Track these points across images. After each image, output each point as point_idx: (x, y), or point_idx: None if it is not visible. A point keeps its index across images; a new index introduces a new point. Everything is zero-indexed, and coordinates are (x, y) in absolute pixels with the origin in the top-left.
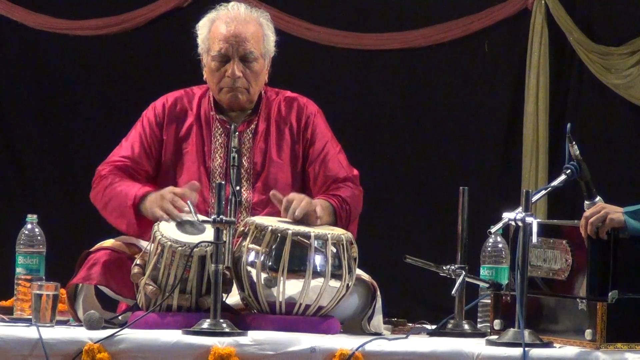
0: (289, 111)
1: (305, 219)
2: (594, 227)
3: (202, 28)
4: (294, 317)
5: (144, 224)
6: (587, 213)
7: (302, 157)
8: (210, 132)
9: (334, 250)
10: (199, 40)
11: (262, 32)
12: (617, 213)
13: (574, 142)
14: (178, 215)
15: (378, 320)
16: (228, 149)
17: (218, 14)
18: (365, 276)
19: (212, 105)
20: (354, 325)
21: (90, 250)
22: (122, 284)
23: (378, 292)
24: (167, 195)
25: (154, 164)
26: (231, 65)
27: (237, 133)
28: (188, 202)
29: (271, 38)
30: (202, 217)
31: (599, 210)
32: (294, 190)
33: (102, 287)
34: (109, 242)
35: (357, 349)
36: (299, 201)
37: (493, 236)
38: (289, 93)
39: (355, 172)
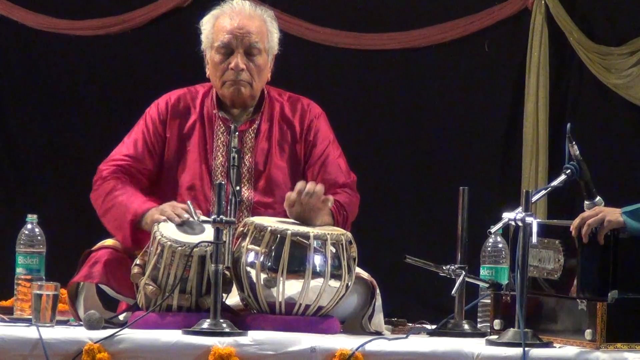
0: (293, 112)
1: (314, 203)
2: (591, 229)
3: (206, 24)
4: (294, 317)
5: (140, 240)
6: (584, 214)
7: (303, 159)
8: (213, 131)
9: (333, 250)
10: (203, 36)
11: (266, 28)
12: (614, 214)
13: (574, 142)
14: (177, 219)
15: (379, 319)
16: (229, 148)
17: (222, 10)
18: (364, 274)
19: (215, 103)
20: (355, 324)
21: (92, 249)
22: (123, 283)
23: (377, 291)
24: (167, 206)
25: (157, 162)
26: (235, 57)
27: (237, 133)
28: (188, 202)
29: (275, 35)
30: (202, 217)
31: (597, 213)
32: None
33: (103, 286)
34: (110, 241)
35: (357, 349)
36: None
37: (493, 236)
38: (292, 94)
39: (354, 177)
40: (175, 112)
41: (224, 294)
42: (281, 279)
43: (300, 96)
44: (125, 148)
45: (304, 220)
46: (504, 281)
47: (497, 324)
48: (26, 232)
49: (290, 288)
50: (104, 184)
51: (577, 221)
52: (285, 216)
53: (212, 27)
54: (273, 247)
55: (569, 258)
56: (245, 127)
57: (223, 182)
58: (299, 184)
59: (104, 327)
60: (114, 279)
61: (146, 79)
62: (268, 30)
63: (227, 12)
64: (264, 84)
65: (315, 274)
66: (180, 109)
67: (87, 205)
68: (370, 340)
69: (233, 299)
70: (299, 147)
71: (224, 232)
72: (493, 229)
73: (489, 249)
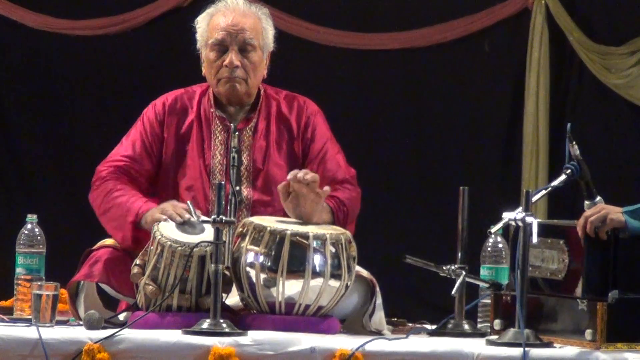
0: (289, 111)
1: (307, 192)
2: (594, 227)
3: (201, 22)
4: (294, 317)
5: (140, 240)
6: (587, 213)
7: (301, 156)
8: (210, 130)
9: (333, 250)
10: (198, 34)
11: (260, 25)
12: (617, 213)
13: (574, 142)
14: (179, 218)
15: (380, 317)
16: (228, 147)
17: (217, 8)
18: (364, 272)
19: (212, 102)
20: (355, 322)
21: (92, 248)
22: (123, 282)
23: (377, 288)
24: (168, 205)
25: (155, 163)
26: (229, 54)
27: (237, 133)
28: (188, 202)
29: (270, 32)
30: (202, 217)
31: (599, 210)
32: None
33: (103, 285)
34: (110, 240)
35: (357, 349)
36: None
37: (493, 236)
38: (288, 92)
39: (353, 171)
40: (172, 113)
41: (224, 294)
42: (281, 279)
43: (296, 94)
44: (123, 149)
45: (301, 215)
46: (504, 281)
47: (497, 324)
48: (26, 232)
49: (290, 288)
50: (103, 184)
51: (581, 221)
52: (285, 215)
53: (206, 25)
54: (272, 248)
55: (573, 258)
56: (243, 125)
57: (223, 182)
58: (293, 172)
59: (104, 327)
60: (114, 278)
61: (146, 79)
62: (263, 28)
63: (222, 10)
64: (260, 81)
65: (315, 274)
66: (178, 109)
67: (87, 206)
68: (370, 340)
69: (233, 299)
70: (297, 145)
71: (224, 232)
72: (493, 229)
73: (489, 249)
